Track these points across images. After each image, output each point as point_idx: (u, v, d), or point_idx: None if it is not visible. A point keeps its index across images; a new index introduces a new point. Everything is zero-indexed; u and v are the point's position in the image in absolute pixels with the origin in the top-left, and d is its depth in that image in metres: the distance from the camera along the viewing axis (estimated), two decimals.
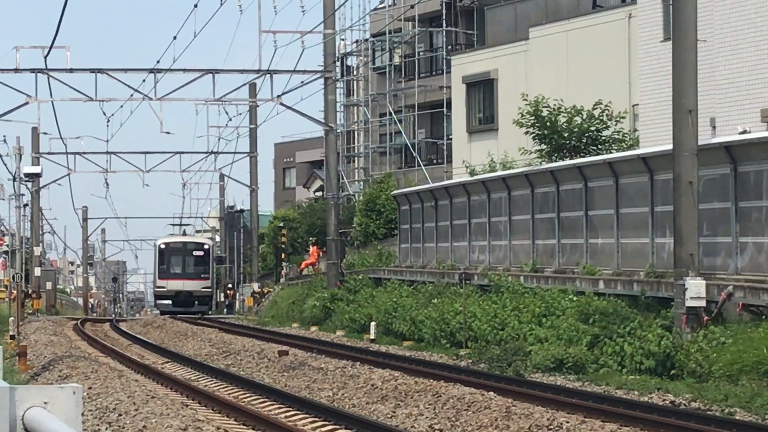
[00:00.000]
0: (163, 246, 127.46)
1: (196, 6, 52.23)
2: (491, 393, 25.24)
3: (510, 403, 24.08)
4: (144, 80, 63.97)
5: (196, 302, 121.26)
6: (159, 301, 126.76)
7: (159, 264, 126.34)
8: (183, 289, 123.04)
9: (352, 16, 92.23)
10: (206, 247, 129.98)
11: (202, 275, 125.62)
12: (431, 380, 28.04)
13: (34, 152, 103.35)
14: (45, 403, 4.52)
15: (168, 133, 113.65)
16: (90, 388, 28.33)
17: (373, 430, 23.61)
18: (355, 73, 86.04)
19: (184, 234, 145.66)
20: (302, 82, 65.02)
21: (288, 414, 25.52)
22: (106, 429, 21.56)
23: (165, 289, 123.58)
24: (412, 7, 71.04)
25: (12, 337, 43.13)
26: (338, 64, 71.82)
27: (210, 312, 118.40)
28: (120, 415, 23.33)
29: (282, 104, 65.38)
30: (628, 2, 58.12)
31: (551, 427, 21.61)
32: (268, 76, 64.76)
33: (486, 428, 22.21)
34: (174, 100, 65.67)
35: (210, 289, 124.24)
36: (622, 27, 56.26)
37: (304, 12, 63.03)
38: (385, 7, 78.41)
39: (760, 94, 44.11)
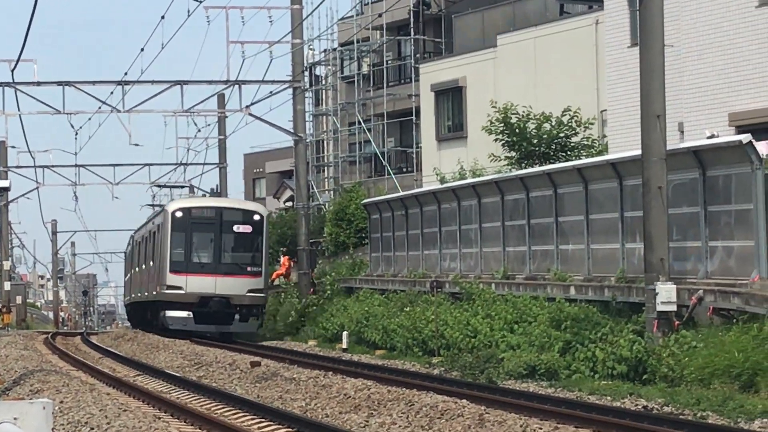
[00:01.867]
0: (179, 214, 70.81)
1: (163, 18, 53.52)
2: (464, 401, 25.21)
3: (483, 410, 23.94)
4: (112, 92, 65.22)
5: (237, 316, 69.31)
6: (169, 313, 69.92)
7: (171, 246, 71.38)
8: (215, 292, 69.63)
9: (320, 25, 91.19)
10: (257, 217, 72.29)
11: (251, 268, 71.82)
12: (404, 389, 28.07)
13: (2, 166, 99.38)
14: (15, 418, 4.41)
15: (137, 145, 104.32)
16: (61, 402, 27.86)
17: None
18: (323, 82, 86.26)
19: (216, 195, 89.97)
20: (271, 92, 65.80)
21: (261, 425, 25.56)
22: None
23: (181, 292, 68.98)
24: (380, 15, 70.86)
25: None
26: (307, 73, 71.81)
27: (261, 330, 71.65)
28: (92, 429, 23.26)
29: (251, 114, 66.89)
30: (595, 8, 58.02)
31: None
32: (236, 86, 65.67)
33: None
34: (142, 111, 67.03)
35: (263, 294, 70.55)
36: (590, 33, 56.75)
37: (272, 22, 64.43)
38: (352, 17, 78.88)
39: (728, 99, 44.63)
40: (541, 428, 22.34)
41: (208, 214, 69.92)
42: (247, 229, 69.98)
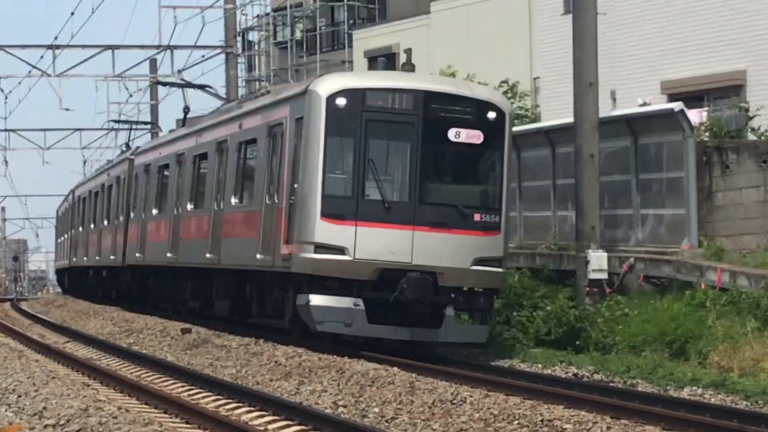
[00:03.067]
0: (342, 101, 32.58)
1: None
2: (395, 368, 25.20)
3: (414, 378, 24.01)
4: (42, 56, 64.50)
5: (451, 310, 33.24)
6: (316, 300, 32.59)
7: (325, 164, 33.21)
8: (411, 261, 32.59)
9: None
10: (492, 115, 34.18)
11: (482, 216, 34.21)
12: (335, 356, 27.85)
13: None
14: None
15: (67, 110, 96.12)
16: None
17: (277, 408, 22.43)
18: (256, 48, 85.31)
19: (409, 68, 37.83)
20: (203, 56, 64.83)
21: (191, 392, 25.00)
22: (6, 411, 21.08)
23: (342, 259, 32.39)
24: None
25: None
26: (239, 39, 71.37)
27: (493, 331, 36.45)
28: (19, 396, 22.61)
29: (183, 80, 64.38)
30: None
31: (455, 401, 21.44)
32: (168, 51, 64.87)
33: (390, 403, 21.82)
34: (73, 76, 66.21)
35: (501, 270, 34.19)
36: (523, 1, 56.29)
37: None
38: None
39: (660, 67, 44.96)
40: (471, 395, 22.23)
41: (400, 105, 32.88)
42: (474, 136, 32.66)
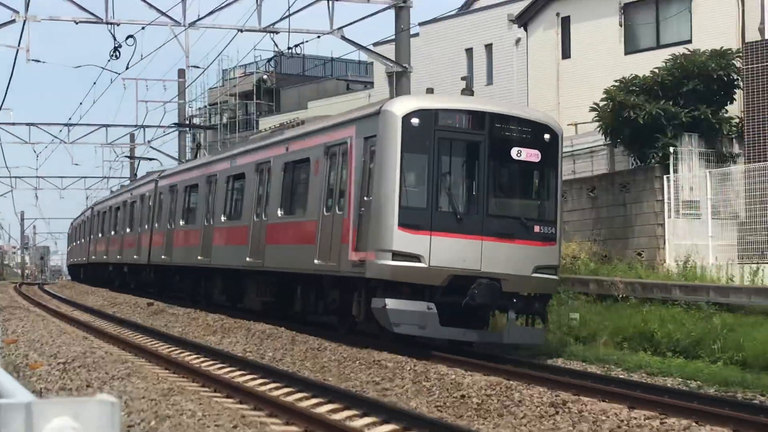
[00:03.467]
0: (416, 120, 22.65)
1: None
2: (282, 328, 24.87)
3: (294, 334, 23.79)
4: (60, 130, 63.43)
5: (513, 314, 23.00)
6: (393, 304, 21.58)
7: (401, 178, 22.45)
8: (480, 269, 22.39)
9: (196, 91, 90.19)
10: (548, 136, 24.11)
11: (540, 228, 23.91)
12: (245, 320, 27.56)
13: None
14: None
15: (76, 164, 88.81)
16: (23, 326, 28.07)
17: (207, 352, 22.64)
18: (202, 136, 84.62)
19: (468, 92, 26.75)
20: (164, 132, 64.77)
21: (151, 342, 25.60)
22: (33, 353, 21.15)
23: (418, 266, 22.04)
24: (234, 86, 71.05)
25: None
26: (187, 122, 70.39)
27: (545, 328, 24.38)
28: (42, 344, 23.49)
29: (152, 148, 64.38)
30: (369, 87, 58.01)
31: (320, 348, 21.40)
32: (142, 129, 64.84)
33: (279, 350, 22.01)
34: (81, 143, 64.87)
35: (556, 277, 23.81)
36: (365, 102, 55.94)
37: (166, 89, 62.59)
38: (217, 87, 77.80)
39: None
40: (331, 346, 21.93)
41: (468, 125, 25.04)
42: (533, 155, 25.13)
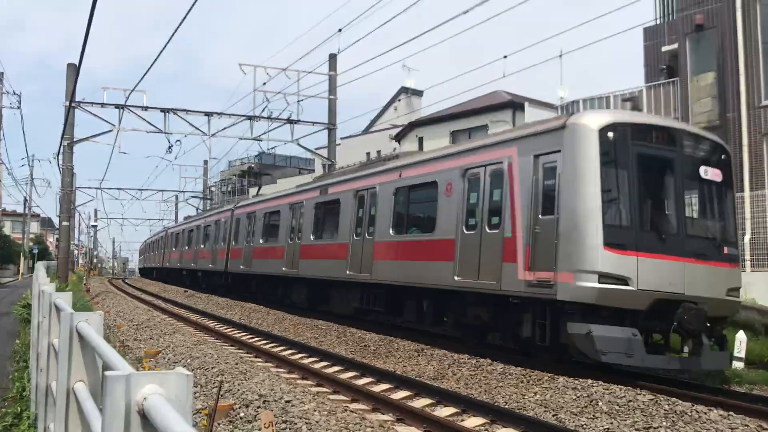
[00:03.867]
0: (612, 134, 11.16)
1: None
2: (259, 304, 23.66)
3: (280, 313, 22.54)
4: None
5: (710, 338, 10.84)
6: (599, 331, 10.28)
7: (602, 199, 10.60)
8: (684, 292, 10.69)
9: (213, 171, 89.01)
10: (724, 157, 12.28)
11: (728, 249, 11.84)
12: (242, 301, 26.17)
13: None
14: (86, 320, 3.17)
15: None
16: (115, 305, 26.51)
17: (219, 320, 20.80)
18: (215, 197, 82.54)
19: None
20: (188, 198, 61.79)
21: (186, 312, 24.12)
22: (119, 318, 20.16)
23: (625, 289, 10.40)
24: (237, 169, 70.08)
25: (84, 284, 39.49)
26: (208, 192, 69.15)
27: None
28: (124, 314, 22.57)
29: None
30: (311, 172, 57.10)
31: (282, 318, 20.35)
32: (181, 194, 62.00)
33: (260, 318, 21.04)
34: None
35: (738, 299, 11.26)
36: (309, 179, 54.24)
37: (196, 170, 61.37)
38: (225, 170, 76.88)
39: None
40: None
41: (660, 141, 11.75)
42: (717, 174, 12.37)
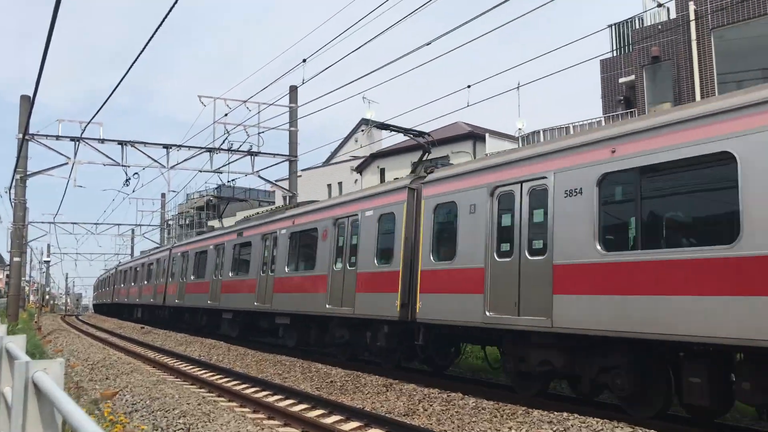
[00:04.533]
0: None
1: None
2: (222, 342, 22.86)
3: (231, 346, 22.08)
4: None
5: None
6: None
7: None
8: None
9: (168, 206, 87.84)
10: None
11: None
12: (200, 336, 25.42)
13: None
14: (44, 369, 3.49)
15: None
16: (66, 342, 25.56)
17: (178, 357, 20.52)
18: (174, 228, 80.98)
19: None
20: (152, 228, 60.94)
21: (144, 350, 23.35)
22: (71, 358, 19.37)
23: None
24: (195, 201, 69.22)
25: (36, 323, 38.15)
26: (166, 226, 67.96)
27: None
28: (77, 352, 21.46)
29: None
30: (271, 204, 56.47)
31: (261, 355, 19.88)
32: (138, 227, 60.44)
33: (222, 354, 20.47)
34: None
35: None
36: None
37: (153, 203, 60.23)
38: (185, 203, 75.66)
39: None
40: None
41: None
42: None
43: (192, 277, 28.48)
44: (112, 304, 55.50)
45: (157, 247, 43.43)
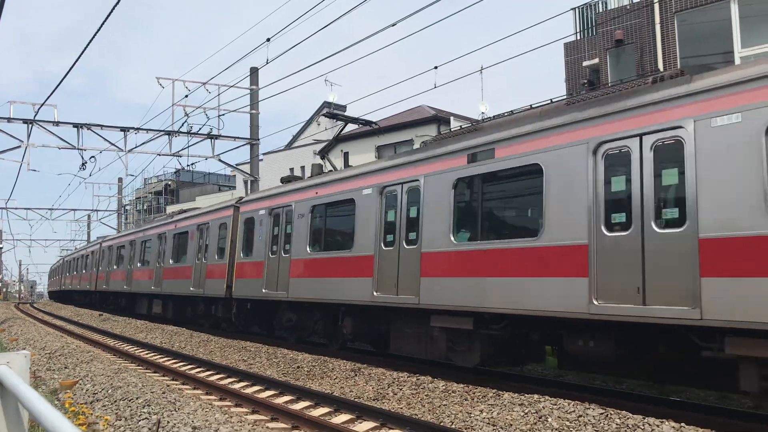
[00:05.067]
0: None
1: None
2: (183, 328, 22.65)
3: (192, 332, 21.77)
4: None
5: None
6: None
7: None
8: None
9: (127, 190, 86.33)
10: None
11: None
12: (161, 324, 25.19)
13: None
14: (7, 363, 3.04)
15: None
16: (21, 330, 24.99)
17: (140, 344, 19.98)
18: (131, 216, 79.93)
19: None
20: (109, 213, 59.92)
21: (103, 338, 22.86)
22: (26, 347, 18.82)
23: None
24: (153, 186, 67.98)
25: None
26: (123, 211, 66.93)
27: None
28: (33, 341, 20.80)
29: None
30: (232, 189, 56.17)
31: (208, 340, 19.53)
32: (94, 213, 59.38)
33: (184, 341, 20.06)
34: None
35: None
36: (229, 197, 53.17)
37: (110, 188, 58.75)
38: (142, 188, 74.39)
39: None
40: None
41: None
42: None
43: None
44: (61, 291, 56.24)
45: (126, 230, 43.76)
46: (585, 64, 22.81)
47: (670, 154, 8.97)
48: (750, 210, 7.85)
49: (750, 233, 7.81)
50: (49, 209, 58.04)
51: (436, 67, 14.07)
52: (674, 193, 8.83)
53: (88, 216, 71.90)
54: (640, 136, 9.31)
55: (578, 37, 24.48)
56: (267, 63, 16.76)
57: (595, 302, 9.46)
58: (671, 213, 8.81)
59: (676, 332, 8.95)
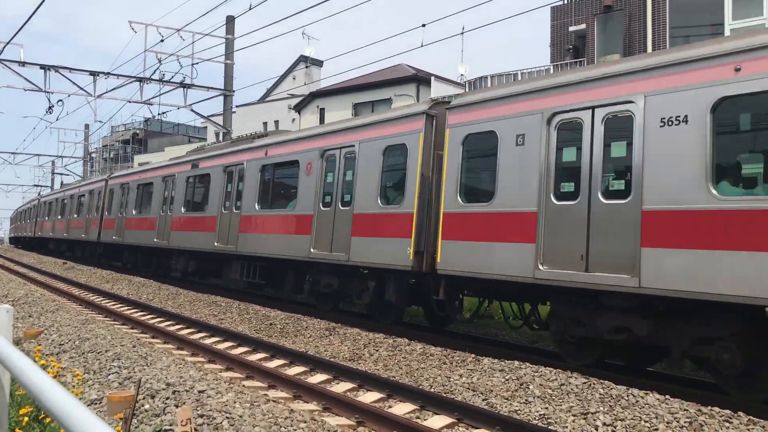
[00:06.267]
0: None
1: None
2: (151, 280, 22.01)
3: (160, 284, 21.18)
4: None
5: None
6: None
7: None
8: None
9: (95, 136, 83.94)
10: None
11: None
12: (127, 274, 24.51)
13: None
14: None
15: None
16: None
17: (105, 295, 19.64)
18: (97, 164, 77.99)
19: None
20: (75, 160, 58.60)
21: (68, 287, 22.22)
22: (7, 301, 18.13)
23: None
24: (121, 135, 66.27)
25: None
26: (89, 158, 65.42)
27: None
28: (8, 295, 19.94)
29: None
30: (203, 141, 54.71)
31: (177, 294, 19.07)
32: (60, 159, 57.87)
33: (151, 293, 19.52)
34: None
35: None
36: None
37: (76, 134, 57.55)
38: (108, 136, 72.67)
39: None
40: None
41: None
42: None
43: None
44: (33, 238, 51.27)
45: (90, 178, 39.51)
46: (572, 29, 22.34)
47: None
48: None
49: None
50: (12, 153, 56.53)
51: (423, 25, 13.68)
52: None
53: (53, 162, 70.17)
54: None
55: (566, 2, 23.84)
56: (250, 9, 16.11)
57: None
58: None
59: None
